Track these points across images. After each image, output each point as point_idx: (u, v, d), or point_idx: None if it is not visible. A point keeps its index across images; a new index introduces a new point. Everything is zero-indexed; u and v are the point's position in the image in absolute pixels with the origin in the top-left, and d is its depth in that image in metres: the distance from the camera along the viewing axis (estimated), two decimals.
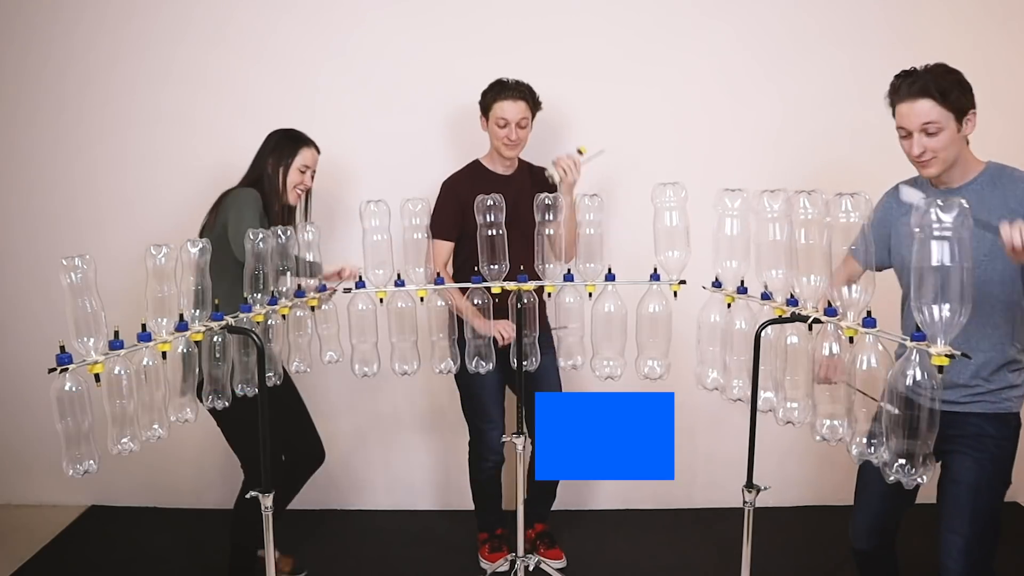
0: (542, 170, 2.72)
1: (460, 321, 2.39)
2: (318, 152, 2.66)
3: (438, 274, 2.19)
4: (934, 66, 1.86)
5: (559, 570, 2.68)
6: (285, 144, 2.59)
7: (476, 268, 2.16)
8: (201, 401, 1.95)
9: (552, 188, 2.67)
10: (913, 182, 2.02)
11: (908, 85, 1.84)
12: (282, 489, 2.84)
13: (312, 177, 2.66)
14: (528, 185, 2.77)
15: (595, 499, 3.41)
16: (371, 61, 3.18)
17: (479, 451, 2.90)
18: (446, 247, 2.75)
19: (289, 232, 2.08)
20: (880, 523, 2.12)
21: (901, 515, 2.13)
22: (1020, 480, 3.33)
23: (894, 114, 1.90)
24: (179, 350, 1.77)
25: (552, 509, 3.11)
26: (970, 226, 1.30)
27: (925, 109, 1.82)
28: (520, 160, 2.85)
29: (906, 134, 1.88)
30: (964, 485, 1.90)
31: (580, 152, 2.66)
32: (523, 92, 2.68)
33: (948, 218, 1.30)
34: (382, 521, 3.32)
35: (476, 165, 2.85)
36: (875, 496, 2.08)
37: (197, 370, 1.85)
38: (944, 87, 1.81)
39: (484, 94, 2.72)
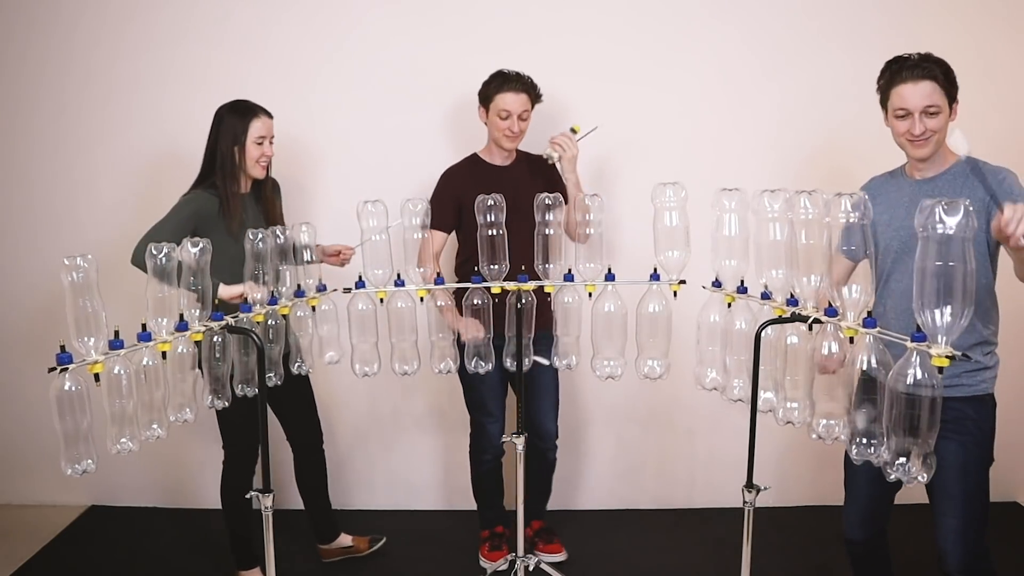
0: (539, 157, 2.74)
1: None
2: (271, 118, 2.52)
3: (438, 274, 2.18)
4: (927, 54, 1.95)
5: (560, 570, 2.67)
6: (235, 120, 2.46)
7: (476, 268, 2.15)
8: (232, 391, 2.00)
9: (553, 168, 2.73)
10: (890, 176, 2.11)
11: (911, 68, 1.92)
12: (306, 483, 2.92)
13: (271, 144, 2.52)
14: (528, 174, 2.77)
15: (595, 499, 3.41)
16: (370, 59, 3.18)
17: (479, 444, 2.92)
18: (439, 237, 2.73)
19: (288, 232, 2.08)
20: (870, 510, 2.17)
21: (890, 503, 2.17)
22: (1020, 480, 3.37)
23: (886, 97, 1.98)
24: (214, 340, 1.86)
25: (550, 509, 3.11)
26: (974, 227, 1.31)
27: (928, 91, 1.91)
28: (517, 150, 2.84)
29: (905, 114, 1.94)
30: (952, 469, 1.93)
31: (573, 131, 2.72)
32: (525, 84, 2.69)
33: (952, 220, 1.30)
34: (382, 521, 3.31)
35: (473, 158, 2.84)
36: (863, 483, 2.14)
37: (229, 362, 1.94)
38: (944, 71, 1.92)
39: (485, 85, 2.72)
